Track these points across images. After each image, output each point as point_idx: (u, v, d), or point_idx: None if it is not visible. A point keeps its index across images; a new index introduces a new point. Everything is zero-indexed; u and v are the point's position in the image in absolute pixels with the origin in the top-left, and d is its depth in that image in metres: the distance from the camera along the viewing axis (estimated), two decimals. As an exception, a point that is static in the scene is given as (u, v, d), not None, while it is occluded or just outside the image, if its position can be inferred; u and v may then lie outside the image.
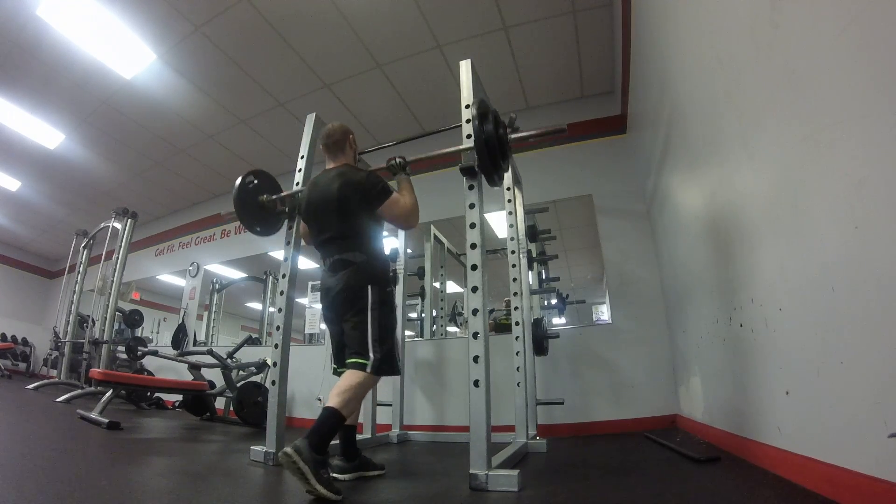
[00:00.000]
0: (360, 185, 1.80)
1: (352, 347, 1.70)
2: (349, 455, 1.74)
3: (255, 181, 2.34)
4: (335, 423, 1.49)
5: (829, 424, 1.15)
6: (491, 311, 4.84)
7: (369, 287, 1.72)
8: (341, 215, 1.79)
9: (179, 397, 4.24)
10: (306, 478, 1.32)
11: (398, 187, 1.92)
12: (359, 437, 2.80)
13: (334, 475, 1.57)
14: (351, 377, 1.61)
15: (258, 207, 2.32)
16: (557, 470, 1.98)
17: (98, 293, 5.22)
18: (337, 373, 1.81)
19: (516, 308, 2.79)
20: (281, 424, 2.04)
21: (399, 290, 3.47)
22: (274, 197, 2.34)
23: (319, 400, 3.66)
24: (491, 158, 1.75)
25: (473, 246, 1.84)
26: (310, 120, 2.58)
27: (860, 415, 1.01)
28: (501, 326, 3.94)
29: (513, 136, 1.79)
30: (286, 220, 2.39)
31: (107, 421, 2.62)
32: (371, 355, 1.66)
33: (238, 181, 2.26)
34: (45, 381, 4.95)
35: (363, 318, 1.70)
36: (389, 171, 2.00)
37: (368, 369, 1.64)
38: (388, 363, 1.72)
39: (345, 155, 1.97)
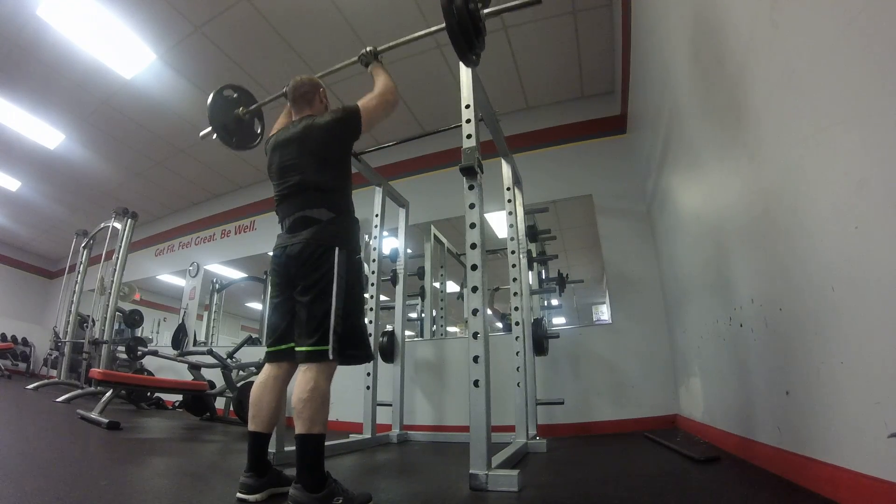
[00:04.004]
0: (326, 124, 1.58)
1: (308, 328, 1.38)
2: (259, 470, 1.39)
3: (234, 95, 2.28)
4: (316, 446, 1.31)
5: (829, 424, 1.15)
6: (496, 289, 4.84)
7: (336, 250, 1.43)
8: (305, 167, 1.54)
9: (179, 397, 4.24)
10: None
11: (372, 74, 1.83)
12: (359, 437, 2.81)
13: (241, 496, 1.33)
14: (304, 383, 1.32)
15: (234, 120, 2.26)
16: (557, 470, 1.98)
17: (98, 293, 5.22)
18: (273, 356, 1.49)
19: (516, 308, 2.79)
20: (281, 424, 2.04)
21: (399, 290, 3.47)
22: (252, 107, 2.29)
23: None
24: (464, 35, 1.63)
25: (473, 246, 1.84)
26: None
27: (860, 415, 1.00)
28: (507, 324, 3.90)
29: (485, 10, 1.69)
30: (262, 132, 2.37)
31: (107, 421, 2.62)
32: (332, 337, 1.35)
33: (213, 92, 2.21)
34: (45, 381, 4.95)
35: (326, 288, 1.39)
36: (361, 62, 1.93)
37: (331, 356, 1.34)
38: (356, 346, 1.44)
39: (312, 108, 1.72)
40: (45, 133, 4.78)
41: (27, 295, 8.51)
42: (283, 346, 1.48)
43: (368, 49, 1.90)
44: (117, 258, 4.83)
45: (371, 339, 3.02)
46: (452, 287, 5.52)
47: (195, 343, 5.30)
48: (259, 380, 1.50)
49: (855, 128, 0.95)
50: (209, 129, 2.20)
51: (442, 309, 4.65)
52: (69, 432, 2.43)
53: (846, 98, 0.97)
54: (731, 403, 1.98)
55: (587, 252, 4.94)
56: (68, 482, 1.39)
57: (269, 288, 1.61)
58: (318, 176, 1.53)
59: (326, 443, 1.35)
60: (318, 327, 1.37)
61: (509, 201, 2.94)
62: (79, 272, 5.64)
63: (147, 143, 4.92)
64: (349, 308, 1.43)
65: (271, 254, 1.56)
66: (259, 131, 2.35)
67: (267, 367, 1.51)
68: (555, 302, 4.77)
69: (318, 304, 1.39)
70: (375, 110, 1.65)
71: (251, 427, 1.45)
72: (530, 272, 3.53)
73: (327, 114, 1.64)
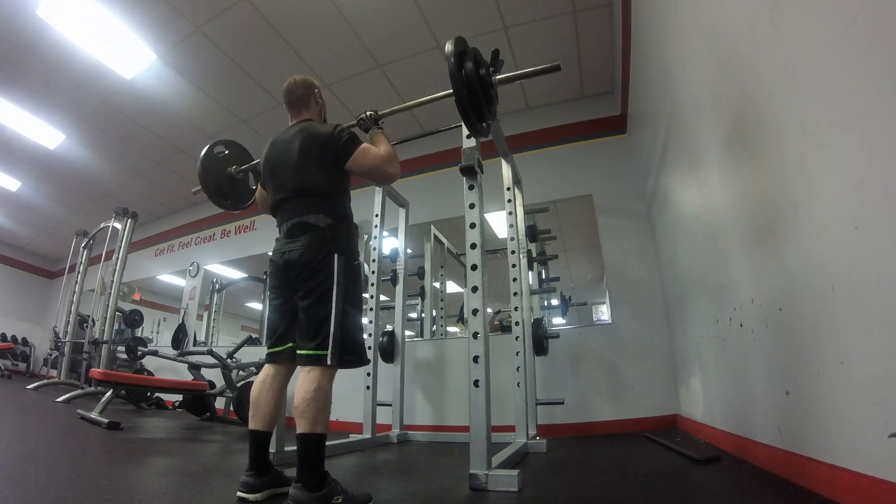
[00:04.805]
0: (324, 137, 1.54)
1: (308, 332, 1.41)
2: (260, 469, 1.41)
3: (226, 151, 2.11)
4: (318, 446, 1.31)
5: (829, 424, 1.15)
6: (497, 312, 4.85)
7: (335, 256, 1.44)
8: (302, 172, 1.53)
9: (179, 397, 4.23)
10: None
11: (372, 141, 1.68)
12: (359, 437, 2.81)
13: (241, 495, 1.34)
14: (307, 384, 1.34)
15: (227, 179, 2.09)
16: (557, 470, 1.98)
17: (98, 293, 5.22)
18: (274, 357, 1.51)
19: (516, 308, 2.79)
20: (281, 424, 2.04)
21: (399, 290, 3.47)
22: (244, 167, 2.11)
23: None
24: (473, 104, 1.50)
25: (473, 246, 1.85)
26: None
27: (860, 415, 1.01)
28: (508, 329, 3.93)
29: (497, 77, 1.57)
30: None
31: (107, 421, 2.62)
32: (331, 342, 1.37)
33: (203, 151, 2.02)
34: (45, 381, 4.95)
35: (325, 294, 1.41)
36: (360, 127, 1.77)
37: (329, 361, 1.36)
38: (353, 352, 1.44)
39: (309, 111, 1.70)
40: (45, 133, 4.78)
41: (27, 295, 8.51)
42: (284, 347, 1.49)
43: (369, 113, 1.74)
44: (117, 258, 4.83)
45: (371, 340, 3.03)
46: (452, 287, 5.52)
47: (195, 343, 5.30)
48: (258, 379, 1.50)
49: (855, 128, 0.95)
50: (200, 187, 2.05)
51: (442, 309, 4.65)
52: (69, 432, 2.43)
53: (846, 98, 0.97)
54: (731, 403, 1.98)
55: (587, 252, 4.94)
56: (68, 482, 1.39)
57: (269, 290, 1.60)
58: (315, 181, 1.52)
59: (326, 443, 1.35)
60: (318, 332, 1.39)
61: (509, 201, 2.94)
62: (79, 272, 5.64)
63: (147, 143, 4.92)
64: (348, 313, 1.44)
65: (270, 255, 1.57)
66: (254, 188, 2.16)
67: (266, 367, 1.51)
68: (555, 301, 4.78)
69: (318, 310, 1.41)
70: (371, 164, 1.54)
71: (251, 426, 1.46)
72: (530, 272, 3.53)
73: (330, 125, 1.60)
